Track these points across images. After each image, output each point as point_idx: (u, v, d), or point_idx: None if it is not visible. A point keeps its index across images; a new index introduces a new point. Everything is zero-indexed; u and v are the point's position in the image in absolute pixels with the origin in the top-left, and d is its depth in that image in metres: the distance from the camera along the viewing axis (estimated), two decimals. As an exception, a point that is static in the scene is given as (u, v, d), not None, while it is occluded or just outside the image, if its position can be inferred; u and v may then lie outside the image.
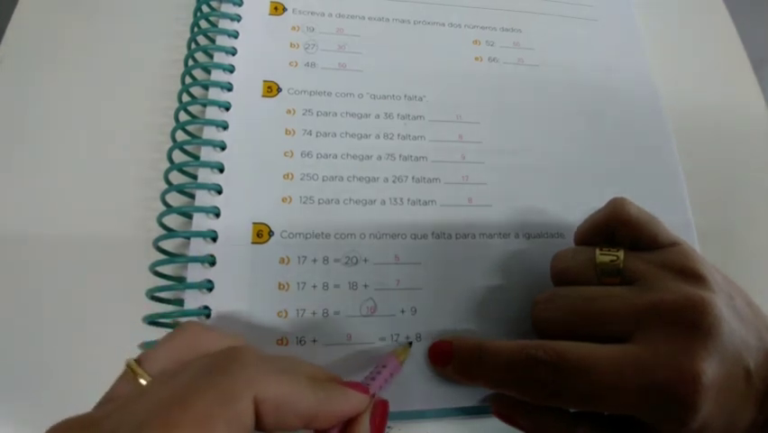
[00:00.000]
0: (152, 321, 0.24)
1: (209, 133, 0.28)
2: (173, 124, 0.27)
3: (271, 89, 0.29)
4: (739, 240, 0.33)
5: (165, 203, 0.26)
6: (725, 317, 0.20)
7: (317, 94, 0.29)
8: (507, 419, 0.24)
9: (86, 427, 0.16)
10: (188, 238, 0.25)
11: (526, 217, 0.29)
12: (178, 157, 0.27)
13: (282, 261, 0.26)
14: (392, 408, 0.22)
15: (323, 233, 0.26)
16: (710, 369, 0.19)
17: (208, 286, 0.25)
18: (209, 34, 0.30)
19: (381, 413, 0.21)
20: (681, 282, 0.21)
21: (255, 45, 0.30)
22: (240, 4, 0.31)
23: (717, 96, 0.37)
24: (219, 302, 0.25)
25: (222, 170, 0.27)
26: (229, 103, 0.28)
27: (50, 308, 0.26)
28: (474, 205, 0.28)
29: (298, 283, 0.25)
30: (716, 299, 0.20)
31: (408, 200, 0.28)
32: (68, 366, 0.25)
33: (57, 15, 0.32)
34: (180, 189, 0.26)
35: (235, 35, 0.30)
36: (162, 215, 0.25)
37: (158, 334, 0.24)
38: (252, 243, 0.26)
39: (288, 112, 0.29)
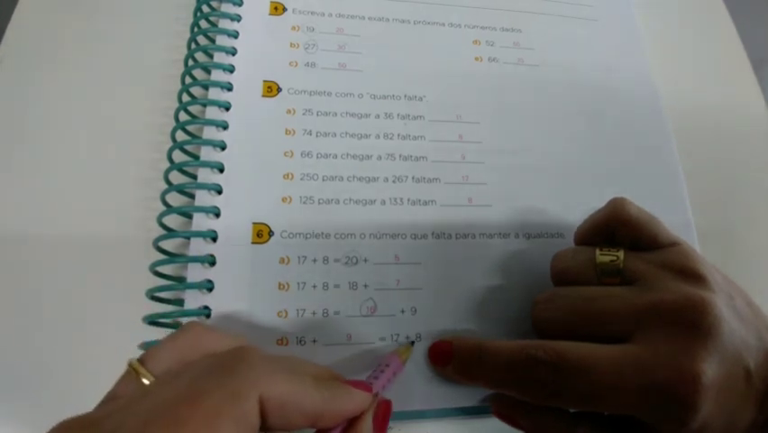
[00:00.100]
0: (152, 321, 0.24)
1: (209, 133, 0.28)
2: (173, 124, 0.27)
3: (271, 89, 0.29)
4: (739, 240, 0.33)
5: (165, 203, 0.26)
6: (725, 317, 0.20)
7: (317, 94, 0.29)
8: (507, 419, 0.24)
9: (87, 427, 0.16)
10: (188, 238, 0.25)
11: (526, 217, 0.29)
12: (178, 157, 0.27)
13: (282, 261, 0.26)
14: (392, 408, 0.22)
15: (323, 233, 0.26)
16: (710, 369, 0.19)
17: (208, 286, 0.25)
18: (209, 34, 0.30)
19: (384, 412, 0.21)
20: (681, 282, 0.21)
21: (255, 45, 0.30)
22: (240, 4, 0.31)
23: (717, 96, 0.37)
24: (219, 302, 0.25)
25: (222, 170, 0.27)
26: (229, 103, 0.28)
27: (50, 308, 0.26)
28: (474, 205, 0.28)
29: (298, 283, 0.25)
30: (716, 299, 0.20)
31: (408, 200, 0.28)
32: (68, 366, 0.25)
33: (57, 15, 0.32)
34: (180, 189, 0.26)
35: (235, 35, 0.30)
36: (162, 215, 0.25)
37: (158, 334, 0.24)
38: (252, 243, 0.26)
39: (288, 112, 0.29)
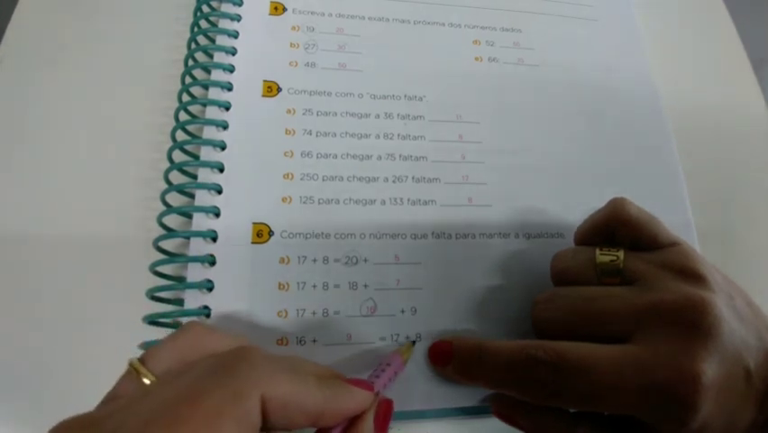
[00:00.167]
0: (152, 321, 0.24)
1: (209, 132, 0.28)
2: (173, 123, 0.27)
3: (271, 89, 0.29)
4: (739, 240, 0.33)
5: (165, 203, 0.26)
6: (725, 317, 0.20)
7: (317, 94, 0.29)
8: (507, 419, 0.24)
9: (87, 426, 0.16)
10: (188, 238, 0.25)
11: (526, 217, 0.29)
12: (178, 157, 0.27)
13: (282, 261, 0.26)
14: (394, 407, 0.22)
15: (323, 233, 0.26)
16: (710, 369, 0.19)
17: (208, 286, 0.25)
18: (209, 34, 0.30)
19: (385, 412, 0.21)
20: (681, 282, 0.21)
21: (255, 45, 0.30)
22: (240, 4, 0.31)
23: (717, 96, 0.37)
24: (219, 302, 0.25)
25: (222, 170, 0.27)
26: (229, 103, 0.28)
27: (50, 308, 0.26)
28: (474, 205, 0.28)
29: (298, 283, 0.25)
30: (716, 299, 0.20)
31: (408, 200, 0.28)
32: (68, 366, 0.25)
33: (57, 15, 0.32)
34: (180, 189, 0.26)
35: (235, 35, 0.30)
36: (162, 215, 0.25)
37: (158, 334, 0.24)
38: (252, 243, 0.26)
39: (288, 112, 0.29)
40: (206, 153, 0.27)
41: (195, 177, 0.27)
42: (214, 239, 0.26)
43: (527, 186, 0.29)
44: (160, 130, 0.29)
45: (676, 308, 0.20)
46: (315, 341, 0.25)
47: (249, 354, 0.17)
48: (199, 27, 0.30)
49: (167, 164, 0.26)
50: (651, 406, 0.19)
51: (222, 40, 0.30)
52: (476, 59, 0.32)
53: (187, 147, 0.27)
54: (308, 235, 0.26)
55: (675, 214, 0.31)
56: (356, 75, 0.30)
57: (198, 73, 0.29)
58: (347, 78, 0.30)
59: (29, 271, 0.26)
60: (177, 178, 0.27)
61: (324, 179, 0.27)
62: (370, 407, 0.20)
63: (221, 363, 0.17)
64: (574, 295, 0.23)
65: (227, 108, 0.28)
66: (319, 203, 0.27)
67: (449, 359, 0.24)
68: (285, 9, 0.31)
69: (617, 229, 0.23)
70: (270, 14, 0.31)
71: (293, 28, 0.31)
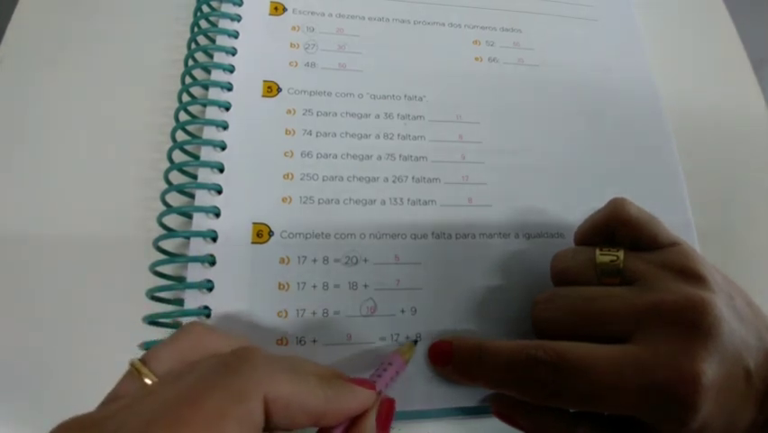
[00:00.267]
0: (152, 321, 0.24)
1: (209, 133, 0.28)
2: (173, 124, 0.27)
3: (271, 89, 0.29)
4: (739, 240, 0.33)
5: (165, 203, 0.26)
6: (725, 317, 0.20)
7: (317, 94, 0.29)
8: (507, 419, 0.24)
9: (89, 427, 0.16)
10: (188, 238, 0.25)
11: (526, 217, 0.29)
12: (178, 157, 0.27)
13: (282, 261, 0.26)
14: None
15: (323, 233, 0.26)
16: (710, 369, 0.19)
17: (208, 286, 0.25)
18: (209, 34, 0.30)
19: (387, 411, 0.21)
20: (681, 283, 0.21)
21: (255, 45, 0.30)
22: (240, 4, 0.31)
23: (717, 96, 0.37)
24: (219, 302, 0.25)
25: (222, 170, 0.27)
26: (229, 103, 0.28)
27: (50, 308, 0.26)
28: (474, 205, 0.28)
29: (298, 283, 0.25)
30: (716, 300, 0.20)
31: (408, 200, 0.28)
32: (68, 366, 0.25)
33: (57, 15, 0.32)
34: (180, 189, 0.26)
35: (235, 35, 0.30)
36: (162, 215, 0.25)
37: (158, 334, 0.24)
38: (252, 243, 0.26)
39: (288, 112, 0.29)
40: (206, 153, 0.27)
41: (195, 177, 0.27)
42: (214, 239, 0.26)
43: (527, 186, 0.29)
44: (159, 130, 0.29)
45: (676, 308, 0.20)
46: (315, 341, 0.25)
47: (251, 354, 0.17)
48: (199, 27, 0.30)
49: (167, 164, 0.26)
50: (651, 406, 0.19)
51: (222, 40, 0.30)
52: (476, 59, 0.32)
53: (187, 147, 0.27)
54: (308, 235, 0.26)
55: (675, 214, 0.31)
56: (356, 75, 0.30)
57: (198, 73, 0.29)
58: (347, 78, 0.30)
59: (29, 271, 0.26)
60: (177, 178, 0.27)
61: (324, 180, 0.27)
62: (372, 406, 0.20)
63: (223, 364, 0.17)
64: (574, 295, 0.23)
65: (227, 108, 0.28)
66: (319, 203, 0.27)
67: (449, 359, 0.24)
68: (285, 9, 0.31)
69: (617, 229, 0.23)
70: (270, 14, 0.31)
71: (293, 28, 0.31)
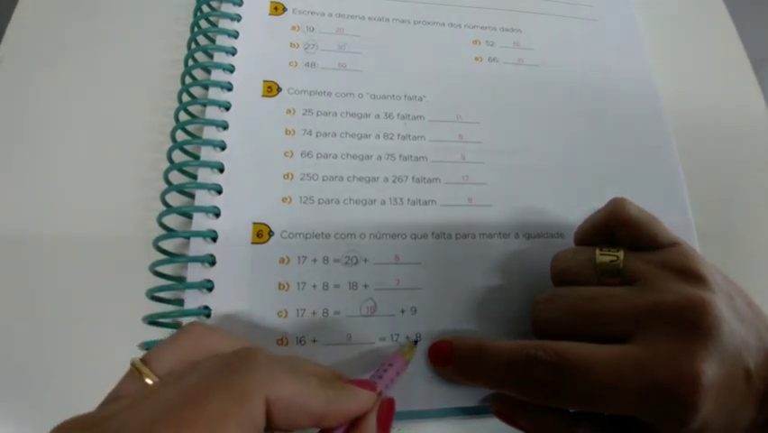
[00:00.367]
0: (152, 321, 0.24)
1: (209, 132, 0.28)
2: (173, 123, 0.27)
3: (271, 89, 0.29)
4: (739, 240, 0.33)
5: (165, 203, 0.26)
6: (725, 317, 0.20)
7: (317, 94, 0.29)
8: (507, 419, 0.24)
9: (90, 427, 0.16)
10: (188, 238, 0.25)
11: (526, 217, 0.29)
12: (178, 157, 0.27)
13: (282, 261, 0.26)
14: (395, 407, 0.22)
15: (323, 233, 0.26)
16: (710, 369, 0.19)
17: (208, 286, 0.25)
18: (209, 34, 0.30)
19: (387, 411, 0.21)
20: (681, 283, 0.21)
21: (255, 45, 0.30)
22: (240, 4, 0.31)
23: (717, 96, 0.37)
24: (219, 302, 0.25)
25: (222, 170, 0.27)
26: (229, 103, 0.28)
27: (50, 308, 0.26)
28: (474, 205, 0.28)
29: (298, 283, 0.25)
30: (716, 300, 0.20)
31: (408, 200, 0.28)
32: (68, 366, 0.25)
33: (57, 15, 0.32)
34: (180, 189, 0.26)
35: (235, 35, 0.30)
36: (162, 215, 0.25)
37: (158, 334, 0.24)
38: (252, 243, 0.26)
39: (288, 112, 0.29)
40: (206, 153, 0.27)
41: (195, 177, 0.27)
42: (214, 239, 0.26)
43: (527, 186, 0.29)
44: (159, 130, 0.29)
45: (676, 308, 0.20)
46: (315, 341, 0.25)
47: (252, 354, 0.17)
48: (199, 27, 0.30)
49: (167, 164, 0.26)
50: (651, 406, 0.19)
51: (222, 40, 0.30)
52: (476, 59, 0.32)
53: (187, 147, 0.27)
54: (308, 235, 0.26)
55: (675, 214, 0.31)
56: (356, 75, 0.30)
57: (198, 73, 0.29)
58: (347, 78, 0.30)
59: (29, 271, 0.26)
60: (177, 178, 0.27)
61: (324, 179, 0.27)
62: (372, 407, 0.20)
63: (225, 364, 0.17)
64: (574, 295, 0.23)
65: (227, 108, 0.28)
66: (319, 203, 0.27)
67: (449, 359, 0.24)
68: (285, 9, 0.31)
69: (617, 229, 0.23)
70: (270, 14, 0.31)
71: (293, 28, 0.31)
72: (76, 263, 0.26)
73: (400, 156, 0.29)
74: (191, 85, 0.28)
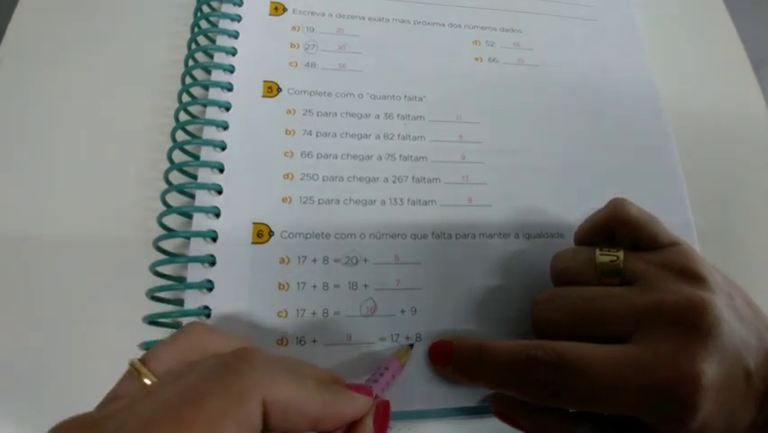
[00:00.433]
0: (152, 321, 0.24)
1: (209, 133, 0.28)
2: (173, 124, 0.27)
3: (271, 89, 0.29)
4: (739, 240, 0.33)
5: (165, 203, 0.26)
6: (725, 317, 0.20)
7: (317, 94, 0.29)
8: (507, 419, 0.24)
9: (88, 427, 0.16)
10: (188, 238, 0.25)
11: (526, 217, 0.29)
12: (178, 157, 0.27)
13: (282, 261, 0.26)
14: (393, 408, 0.22)
15: (323, 233, 0.26)
16: (710, 369, 0.19)
17: (208, 286, 0.25)
18: (209, 34, 0.30)
19: (383, 414, 0.21)
20: (681, 283, 0.21)
21: (255, 45, 0.30)
22: (240, 5, 0.31)
23: (717, 96, 0.37)
24: (219, 302, 0.25)
25: (222, 170, 0.27)
26: (229, 103, 0.28)
27: (50, 308, 0.26)
28: (474, 205, 0.28)
29: (298, 283, 0.25)
30: (716, 300, 0.20)
31: (408, 200, 0.28)
32: (68, 366, 0.25)
33: (57, 15, 0.32)
34: (180, 189, 0.26)
35: (235, 35, 0.30)
36: (162, 215, 0.25)
37: (158, 334, 0.24)
38: (252, 243, 0.26)
39: (288, 112, 0.29)
40: (206, 154, 0.27)
41: (195, 177, 0.27)
42: (215, 239, 0.26)
43: (527, 186, 0.29)
44: (159, 130, 0.29)
45: (676, 308, 0.20)
46: (315, 341, 0.25)
47: (250, 355, 0.17)
48: (199, 27, 0.30)
49: (167, 164, 0.26)
50: (651, 406, 0.19)
51: (222, 40, 0.30)
52: (476, 59, 0.32)
53: (188, 147, 0.27)
54: (308, 235, 0.26)
55: (675, 214, 0.31)
56: (356, 75, 0.30)
57: (198, 73, 0.29)
58: (347, 78, 0.30)
59: (29, 271, 0.26)
60: (177, 178, 0.27)
61: (324, 180, 0.27)
62: (368, 411, 0.20)
63: (223, 364, 0.17)
64: (574, 295, 0.23)
65: (227, 109, 0.28)
66: (319, 203, 0.27)
67: (449, 359, 0.24)
68: (285, 9, 0.31)
69: (617, 229, 0.23)
70: (270, 15, 0.31)
71: (293, 28, 0.31)
72: (76, 263, 0.26)
73: (400, 156, 0.29)
74: (191, 85, 0.28)
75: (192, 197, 0.27)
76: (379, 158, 0.29)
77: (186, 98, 0.28)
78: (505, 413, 0.24)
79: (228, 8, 0.31)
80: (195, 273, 0.25)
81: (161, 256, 0.25)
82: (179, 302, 0.25)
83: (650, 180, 0.31)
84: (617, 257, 0.23)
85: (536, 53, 0.33)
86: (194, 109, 0.29)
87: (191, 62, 0.29)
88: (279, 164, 0.27)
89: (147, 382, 0.17)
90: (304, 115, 0.29)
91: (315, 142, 0.28)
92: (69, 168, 0.28)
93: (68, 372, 0.25)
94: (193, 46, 0.29)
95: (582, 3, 0.35)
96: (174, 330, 0.23)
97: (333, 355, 0.25)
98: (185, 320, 0.24)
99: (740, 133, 0.36)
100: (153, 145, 0.29)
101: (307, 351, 0.24)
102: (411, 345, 0.25)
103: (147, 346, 0.23)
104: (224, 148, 0.27)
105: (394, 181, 0.28)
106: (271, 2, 0.31)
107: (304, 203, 0.27)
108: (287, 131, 0.28)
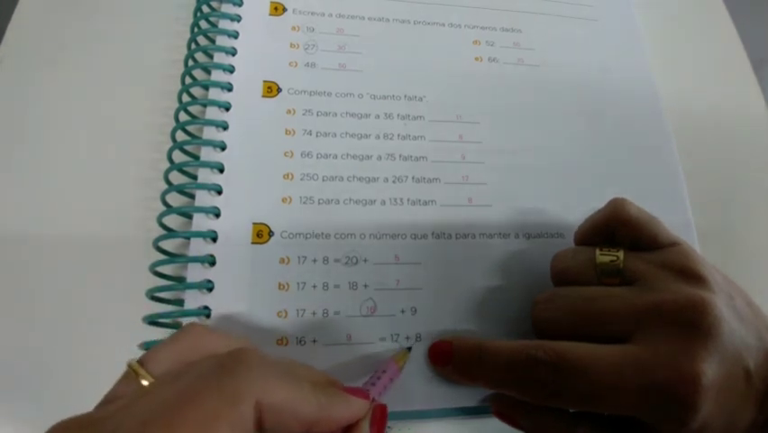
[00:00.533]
0: (152, 321, 0.24)
1: (209, 133, 0.28)
2: (173, 124, 0.27)
3: (271, 89, 0.29)
4: (739, 240, 0.33)
5: (165, 203, 0.26)
6: (725, 317, 0.20)
7: (317, 94, 0.29)
8: (507, 419, 0.24)
9: (85, 427, 0.16)
10: (188, 238, 0.25)
11: (526, 217, 0.29)
12: (178, 157, 0.27)
13: (282, 261, 0.26)
14: (392, 408, 0.22)
15: (323, 233, 0.26)
16: (710, 369, 0.19)
17: (208, 286, 0.25)
18: (209, 34, 0.30)
19: (380, 418, 0.21)
20: (681, 283, 0.21)
21: (255, 45, 0.30)
22: (240, 5, 0.31)
23: (717, 96, 0.37)
24: (219, 302, 0.25)
25: (222, 171, 0.27)
26: (229, 103, 0.28)
27: (50, 308, 0.26)
28: (474, 205, 0.28)
29: (298, 283, 0.25)
30: (716, 300, 0.20)
31: (408, 200, 0.28)
32: (68, 366, 0.25)
33: (57, 15, 0.32)
34: (180, 189, 0.26)
35: (235, 35, 0.30)
36: (162, 215, 0.25)
37: (158, 334, 0.24)
38: (252, 243, 0.26)
39: (288, 112, 0.29)
40: (206, 154, 0.27)
41: (195, 177, 0.27)
42: (215, 239, 0.26)
43: (527, 186, 0.29)
44: (160, 130, 0.29)
45: (676, 308, 0.20)
46: (315, 341, 0.25)
47: (246, 355, 0.17)
48: (199, 27, 0.30)
49: (167, 164, 0.26)
50: (651, 406, 0.19)
51: (222, 40, 0.30)
52: (476, 59, 0.32)
53: (187, 147, 0.27)
54: (308, 236, 0.26)
55: (675, 214, 0.31)
56: (356, 75, 0.30)
57: (198, 73, 0.29)
58: (347, 78, 0.30)
59: (29, 271, 0.26)
60: (177, 178, 0.27)
61: (324, 180, 0.27)
62: (365, 415, 0.20)
63: (219, 365, 0.17)
64: (574, 295, 0.23)
65: (227, 109, 0.28)
66: (319, 203, 0.27)
67: (449, 359, 0.24)
68: (285, 9, 0.31)
69: (617, 229, 0.23)
70: (270, 15, 0.31)
71: (293, 28, 0.31)
72: (76, 263, 0.26)
73: (400, 156, 0.29)
74: (191, 85, 0.28)
75: (192, 197, 0.27)
76: (379, 158, 0.29)
77: (186, 98, 0.28)
78: (505, 413, 0.24)
79: (228, 8, 0.31)
80: (195, 273, 0.25)
81: (161, 256, 0.25)
82: (179, 302, 0.25)
83: (650, 180, 0.31)
84: (617, 257, 0.23)
85: (536, 53, 0.33)
86: (194, 109, 0.29)
87: (191, 62, 0.29)
88: (279, 164, 0.27)
89: (144, 382, 0.17)
90: (304, 115, 0.29)
91: (315, 142, 0.28)
92: (69, 168, 0.28)
93: (68, 372, 0.25)
94: (193, 46, 0.29)
95: (583, 3, 0.35)
96: (174, 330, 0.23)
97: (333, 355, 0.25)
98: (185, 320, 0.24)
99: (740, 133, 0.36)
100: (153, 145, 0.29)
101: (307, 351, 0.24)
102: (409, 349, 0.25)
103: (147, 346, 0.23)
104: (223, 148, 0.27)
105: (394, 181, 0.28)
106: (271, 2, 0.31)
107: (304, 203, 0.27)
108: (286, 131, 0.28)
